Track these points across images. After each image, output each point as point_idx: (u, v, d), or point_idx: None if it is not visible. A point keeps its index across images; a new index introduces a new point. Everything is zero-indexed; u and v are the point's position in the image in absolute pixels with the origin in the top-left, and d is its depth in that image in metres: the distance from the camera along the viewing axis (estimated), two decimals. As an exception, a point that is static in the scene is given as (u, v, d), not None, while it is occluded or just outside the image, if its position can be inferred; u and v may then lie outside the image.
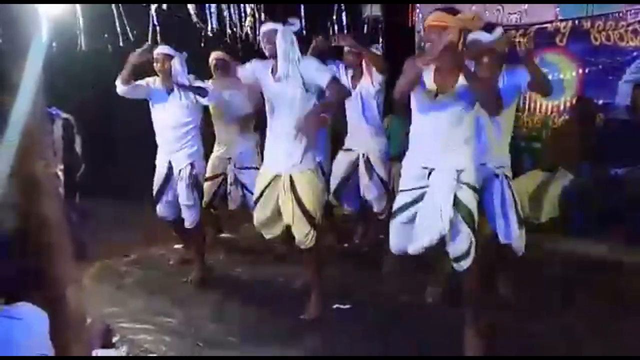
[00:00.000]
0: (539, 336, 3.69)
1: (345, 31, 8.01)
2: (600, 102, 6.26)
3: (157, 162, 5.03)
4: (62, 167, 5.13)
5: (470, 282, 3.39)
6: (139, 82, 4.91)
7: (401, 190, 3.48)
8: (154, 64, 4.84)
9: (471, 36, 3.67)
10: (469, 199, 3.29)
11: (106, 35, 7.26)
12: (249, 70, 4.09)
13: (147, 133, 5.31)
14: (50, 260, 1.61)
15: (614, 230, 5.28)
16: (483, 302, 3.48)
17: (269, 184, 3.98)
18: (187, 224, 4.97)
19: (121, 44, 7.10)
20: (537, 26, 6.75)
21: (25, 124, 1.45)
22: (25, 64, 1.44)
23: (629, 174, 5.37)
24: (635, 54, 6.10)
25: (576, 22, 6.44)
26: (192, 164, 4.89)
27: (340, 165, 5.23)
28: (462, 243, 3.28)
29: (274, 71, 3.91)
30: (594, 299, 4.23)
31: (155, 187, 5.04)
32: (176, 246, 5.71)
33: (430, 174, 3.33)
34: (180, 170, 4.90)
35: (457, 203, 3.26)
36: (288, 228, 3.99)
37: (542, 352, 3.51)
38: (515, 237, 3.94)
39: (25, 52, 1.45)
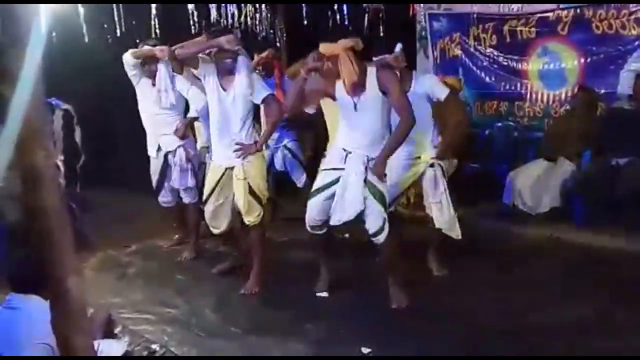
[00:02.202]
0: (540, 326, 3.70)
1: (346, 22, 7.99)
2: (602, 91, 6.23)
3: (149, 149, 5.21)
4: (62, 157, 5.14)
5: (388, 253, 4.03)
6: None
7: (322, 170, 4.04)
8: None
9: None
10: (378, 181, 3.86)
11: (105, 26, 7.24)
12: None
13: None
14: (51, 251, 1.60)
15: (615, 219, 5.28)
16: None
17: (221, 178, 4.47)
18: (186, 201, 5.24)
19: (119, 34, 7.08)
20: (538, 15, 6.72)
21: (25, 115, 1.44)
22: (24, 54, 1.43)
23: (631, 163, 5.35)
24: (637, 42, 6.06)
25: (578, 10, 6.40)
26: (183, 147, 5.06)
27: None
28: (377, 220, 3.87)
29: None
30: (595, 287, 4.23)
31: (154, 177, 5.17)
32: (176, 236, 5.72)
33: (347, 157, 3.91)
34: (171, 154, 5.07)
35: (368, 184, 3.85)
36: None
37: (543, 341, 3.52)
38: (446, 221, 4.47)
39: (24, 42, 1.44)
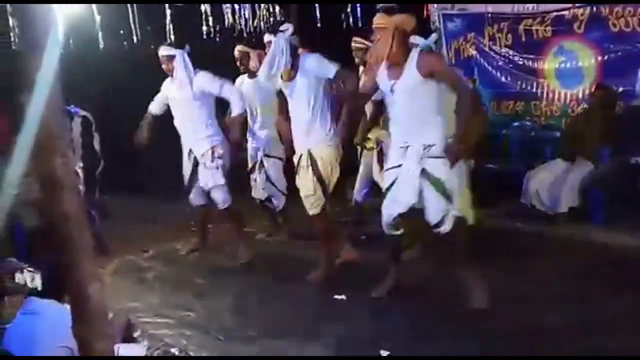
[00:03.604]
0: (558, 326, 3.66)
1: (360, 23, 7.99)
2: (620, 89, 6.17)
3: (183, 152, 5.31)
4: (81, 164, 5.18)
5: (456, 246, 3.88)
6: (161, 92, 5.30)
7: (387, 169, 4.02)
8: (163, 66, 5.13)
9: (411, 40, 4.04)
10: (440, 171, 3.75)
11: (122, 32, 7.31)
12: None
13: (165, 129, 5.34)
14: (71, 256, 1.62)
15: (635, 218, 5.22)
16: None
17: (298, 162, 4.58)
18: (220, 206, 5.22)
19: (136, 40, 7.14)
20: (554, 14, 6.67)
21: (43, 122, 1.46)
22: (41, 61, 1.45)
23: (650, 162, 5.30)
24: (655, 39, 6.00)
25: (594, 8, 6.34)
26: (213, 148, 5.10)
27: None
28: (436, 210, 3.78)
29: None
30: (616, 287, 4.18)
31: (185, 177, 5.28)
32: (195, 240, 5.74)
33: (405, 150, 3.84)
34: (202, 155, 5.11)
35: (427, 175, 3.76)
36: None
37: (561, 342, 3.49)
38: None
39: (41, 49, 1.46)
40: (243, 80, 5.61)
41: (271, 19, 7.96)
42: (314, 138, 4.49)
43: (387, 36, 3.72)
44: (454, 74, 3.78)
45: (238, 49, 5.54)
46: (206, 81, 5.09)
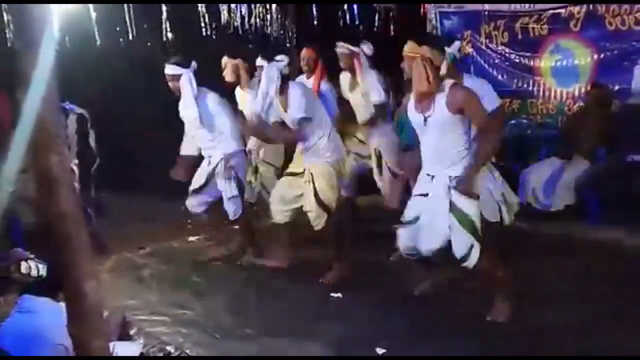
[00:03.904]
0: (555, 324, 3.67)
1: (357, 22, 7.99)
2: (616, 87, 6.18)
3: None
4: (76, 161, 5.17)
5: (484, 277, 3.84)
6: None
7: (414, 195, 3.91)
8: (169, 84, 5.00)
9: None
10: (465, 204, 3.62)
11: (118, 29, 7.28)
12: None
13: (161, 127, 5.33)
14: (67, 254, 1.62)
15: (631, 216, 5.23)
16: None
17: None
18: (231, 217, 5.17)
19: (132, 37, 7.12)
20: (550, 12, 6.68)
21: (39, 119, 1.45)
22: (37, 58, 1.44)
23: (646, 160, 5.31)
24: (651, 38, 6.02)
25: (590, 7, 6.35)
26: (226, 158, 5.01)
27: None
28: (462, 246, 3.64)
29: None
30: (611, 285, 4.20)
31: (196, 183, 5.17)
32: (191, 239, 5.74)
33: (432, 180, 3.74)
34: (217, 165, 5.05)
35: (453, 209, 3.63)
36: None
37: (559, 341, 3.49)
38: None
39: (37, 46, 1.45)
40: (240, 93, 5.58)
41: (268, 17, 7.95)
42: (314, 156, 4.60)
43: (419, 66, 3.57)
44: (480, 113, 3.61)
45: (224, 60, 5.52)
46: (210, 105, 5.00)
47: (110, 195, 6.01)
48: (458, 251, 3.66)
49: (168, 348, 3.67)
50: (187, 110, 4.97)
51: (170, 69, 4.94)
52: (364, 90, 5.25)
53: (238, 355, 3.58)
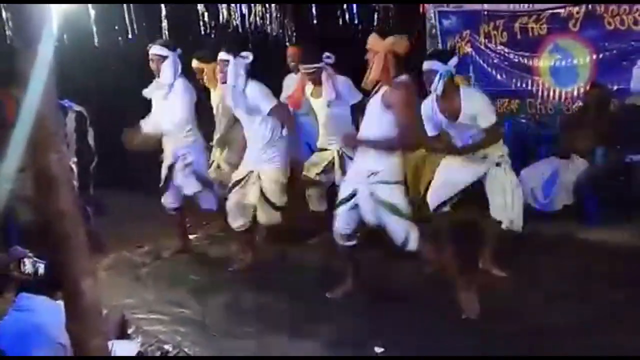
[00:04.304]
0: (555, 324, 3.67)
1: (356, 21, 7.98)
2: (615, 87, 6.18)
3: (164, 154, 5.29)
4: (75, 159, 5.16)
5: (432, 258, 3.94)
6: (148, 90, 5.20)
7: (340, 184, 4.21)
8: (150, 63, 5.07)
9: (426, 66, 4.20)
10: (387, 194, 3.78)
11: (117, 28, 7.28)
12: None
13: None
14: (65, 252, 1.61)
15: (630, 216, 5.24)
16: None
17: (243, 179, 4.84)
18: (205, 209, 5.34)
19: (131, 36, 7.11)
20: (549, 12, 6.67)
21: (38, 117, 1.45)
22: (35, 56, 1.44)
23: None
24: (650, 38, 6.01)
25: (589, 6, 6.35)
26: (185, 155, 5.11)
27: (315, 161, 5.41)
28: (397, 231, 3.79)
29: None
30: (609, 286, 4.20)
31: (162, 180, 5.28)
32: (190, 236, 5.73)
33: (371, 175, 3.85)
34: (179, 160, 5.13)
35: (378, 200, 3.80)
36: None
37: (558, 338, 3.50)
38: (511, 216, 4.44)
39: (35, 44, 1.45)
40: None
41: (267, 15, 7.94)
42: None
43: (379, 60, 3.70)
44: (405, 117, 3.72)
45: (194, 64, 5.59)
46: (182, 94, 5.06)
47: (108, 193, 6.01)
48: (395, 237, 3.82)
49: (166, 347, 3.67)
50: (162, 89, 5.04)
51: (157, 49, 5.02)
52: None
53: (236, 355, 3.57)
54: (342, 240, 4.08)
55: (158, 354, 3.62)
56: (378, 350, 3.48)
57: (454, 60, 4.26)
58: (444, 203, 4.56)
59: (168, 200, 5.34)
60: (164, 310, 4.19)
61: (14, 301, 2.90)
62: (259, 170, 4.82)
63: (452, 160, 4.54)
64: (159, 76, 5.07)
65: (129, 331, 3.84)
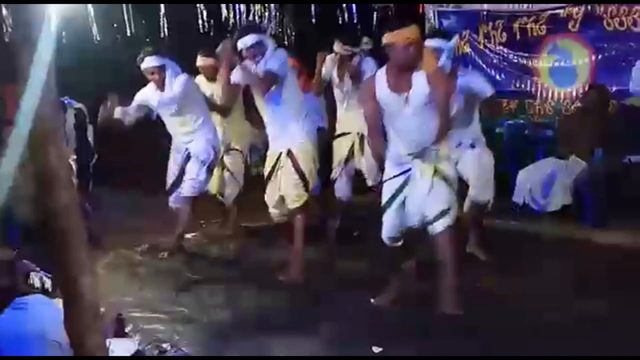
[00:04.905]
0: (554, 324, 3.68)
1: (355, 21, 7.99)
2: (614, 88, 6.19)
3: (172, 156, 5.28)
4: (74, 156, 5.15)
5: (447, 250, 3.79)
6: (137, 100, 5.15)
7: (385, 181, 3.93)
8: (147, 76, 4.99)
9: (430, 43, 4.20)
10: (447, 168, 3.82)
11: (115, 25, 7.27)
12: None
13: (159, 122, 5.32)
14: (64, 250, 1.61)
15: (627, 217, 5.24)
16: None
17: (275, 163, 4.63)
18: (184, 193, 5.24)
19: (130, 33, 7.11)
20: (549, 12, 6.68)
21: (37, 114, 1.45)
22: (34, 54, 1.44)
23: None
24: (649, 39, 6.02)
25: (589, 7, 6.36)
26: (213, 147, 5.18)
27: (339, 149, 5.52)
28: (441, 203, 3.74)
29: None
30: (607, 285, 4.20)
31: (171, 178, 5.23)
32: (187, 236, 5.73)
33: (413, 159, 3.78)
34: (195, 153, 5.14)
35: (436, 172, 3.76)
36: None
37: (557, 340, 3.50)
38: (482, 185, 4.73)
39: (34, 41, 1.45)
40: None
41: (266, 14, 7.94)
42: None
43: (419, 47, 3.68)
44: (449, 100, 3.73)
45: (200, 63, 5.52)
46: (190, 92, 5.08)
47: (107, 191, 6.01)
48: (436, 206, 3.73)
49: (164, 345, 3.66)
50: (171, 100, 4.97)
51: (151, 61, 4.90)
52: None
53: (235, 355, 3.57)
54: (391, 242, 3.96)
55: (156, 352, 3.61)
56: (376, 350, 3.48)
57: (455, 38, 4.34)
58: None
59: (172, 200, 5.33)
60: (163, 309, 4.18)
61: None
62: (289, 147, 4.59)
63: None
64: (162, 89, 4.98)
65: (127, 330, 3.83)
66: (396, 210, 3.85)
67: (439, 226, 3.77)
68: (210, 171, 5.24)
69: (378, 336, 3.59)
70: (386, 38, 3.68)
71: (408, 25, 3.68)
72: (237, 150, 5.73)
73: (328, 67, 5.38)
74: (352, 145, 5.42)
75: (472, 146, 4.72)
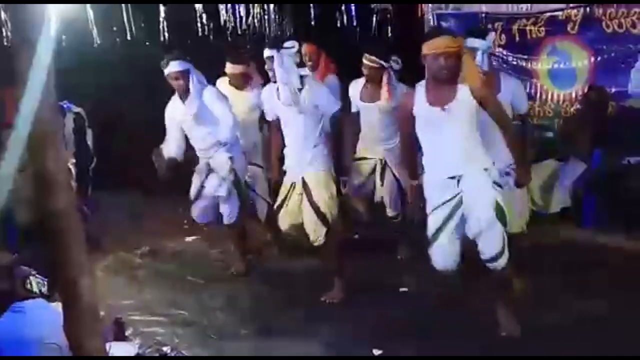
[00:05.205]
0: (553, 324, 3.68)
1: (354, 23, 7.99)
2: (613, 90, 6.19)
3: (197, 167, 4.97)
4: (73, 160, 5.16)
5: (505, 280, 3.59)
6: (168, 120, 4.88)
7: (433, 210, 3.54)
8: (171, 81, 4.69)
9: (469, 43, 3.80)
10: (500, 197, 3.42)
11: (115, 29, 7.28)
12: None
13: (159, 126, 5.32)
14: (63, 253, 1.61)
15: (627, 218, 5.24)
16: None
17: (289, 191, 4.28)
18: (225, 220, 4.92)
19: (129, 37, 7.11)
20: (548, 14, 6.68)
21: (36, 118, 1.44)
22: (34, 57, 1.44)
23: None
24: (648, 41, 6.03)
25: (588, 9, 6.37)
26: (230, 159, 4.79)
27: (357, 174, 5.05)
28: (498, 242, 3.41)
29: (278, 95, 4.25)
30: (607, 286, 4.20)
31: (194, 189, 4.95)
32: (187, 239, 5.73)
33: (459, 181, 3.44)
34: (218, 168, 4.81)
35: (491, 202, 3.40)
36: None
37: (557, 340, 3.50)
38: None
39: (34, 45, 1.45)
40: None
41: (265, 17, 7.95)
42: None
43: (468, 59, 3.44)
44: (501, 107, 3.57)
45: (234, 70, 5.12)
46: (213, 101, 4.72)
47: (106, 194, 6.01)
48: (490, 249, 3.42)
49: (164, 348, 3.66)
50: (189, 107, 4.65)
51: (176, 66, 4.59)
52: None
53: (234, 355, 3.57)
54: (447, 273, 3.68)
55: (156, 355, 3.61)
56: (376, 352, 3.48)
57: (491, 36, 4.10)
58: None
59: (196, 212, 5.03)
60: (162, 312, 4.18)
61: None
62: (304, 176, 4.25)
63: None
64: (185, 96, 4.67)
65: (127, 333, 3.83)
66: (448, 239, 3.52)
67: (494, 266, 3.49)
68: (237, 188, 4.86)
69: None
70: (424, 48, 3.44)
71: (444, 35, 3.45)
72: (256, 165, 5.26)
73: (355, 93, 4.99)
74: (372, 173, 5.03)
75: (507, 174, 3.95)
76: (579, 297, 4.07)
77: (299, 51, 4.31)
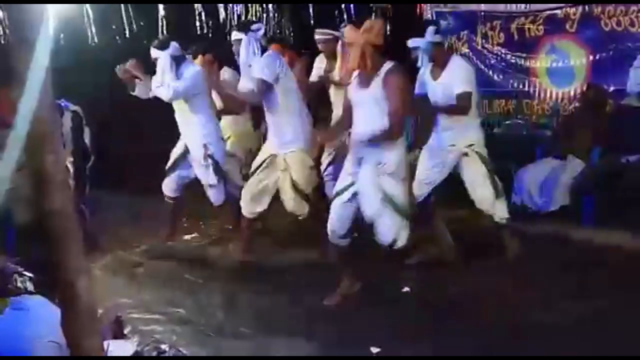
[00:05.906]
0: (553, 324, 3.68)
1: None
2: (611, 88, 6.20)
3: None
4: (71, 159, 5.14)
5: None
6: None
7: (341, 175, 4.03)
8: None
9: (409, 44, 4.38)
10: (391, 187, 3.78)
11: (114, 27, 7.26)
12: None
13: (156, 124, 5.32)
14: (61, 252, 1.61)
15: (626, 217, 5.24)
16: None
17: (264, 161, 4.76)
18: (215, 203, 5.23)
19: (128, 35, 7.10)
20: (546, 12, 6.69)
21: (35, 117, 1.44)
22: (32, 55, 1.43)
23: (640, 161, 5.33)
24: (646, 39, 6.03)
25: (586, 8, 6.37)
26: (205, 146, 5.01)
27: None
28: (390, 229, 3.79)
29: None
30: (606, 285, 4.21)
31: (170, 163, 5.23)
32: (186, 237, 5.73)
33: (360, 160, 3.84)
34: (195, 152, 5.06)
35: (381, 191, 3.77)
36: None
37: (556, 340, 3.50)
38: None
39: (32, 43, 1.44)
40: None
41: (264, 15, 7.94)
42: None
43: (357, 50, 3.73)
44: (396, 110, 3.73)
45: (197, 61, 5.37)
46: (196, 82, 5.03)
47: (104, 192, 6.00)
48: (387, 236, 3.81)
49: (162, 346, 3.66)
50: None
51: (153, 53, 4.95)
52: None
53: (233, 355, 3.57)
54: (334, 239, 4.04)
55: (154, 354, 3.61)
56: (374, 350, 3.48)
57: (430, 30, 4.34)
58: (428, 196, 4.65)
59: (169, 187, 5.30)
60: (161, 310, 4.18)
61: (11, 300, 2.90)
62: (284, 155, 4.70)
63: (423, 155, 4.66)
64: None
65: (125, 331, 3.83)
66: (343, 205, 3.97)
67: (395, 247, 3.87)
68: (218, 173, 5.08)
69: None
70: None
71: (352, 25, 3.82)
72: (231, 155, 5.53)
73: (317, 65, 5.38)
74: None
75: (465, 154, 4.57)
76: (578, 296, 4.07)
77: (265, 34, 4.70)
